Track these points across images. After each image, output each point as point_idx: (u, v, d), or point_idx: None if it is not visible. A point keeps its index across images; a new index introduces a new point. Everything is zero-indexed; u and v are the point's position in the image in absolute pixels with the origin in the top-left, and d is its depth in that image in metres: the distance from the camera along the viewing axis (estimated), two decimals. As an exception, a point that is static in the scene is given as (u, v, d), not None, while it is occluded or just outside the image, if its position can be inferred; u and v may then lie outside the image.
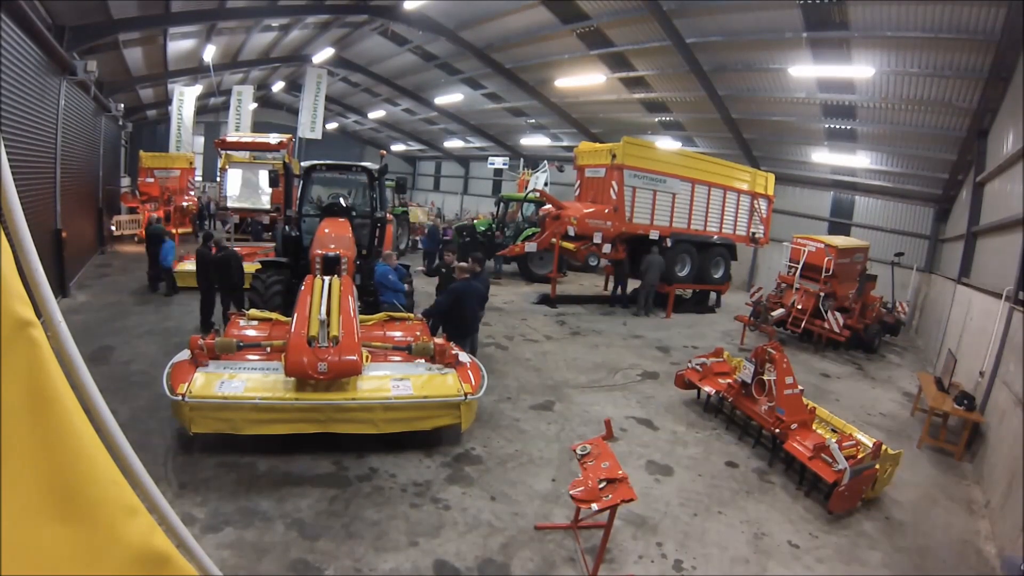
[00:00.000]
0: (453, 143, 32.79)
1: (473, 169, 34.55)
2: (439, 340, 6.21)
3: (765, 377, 6.39)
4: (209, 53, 18.32)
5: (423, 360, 6.07)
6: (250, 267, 9.24)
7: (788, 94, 14.51)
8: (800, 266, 11.93)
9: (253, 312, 7.03)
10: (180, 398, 4.90)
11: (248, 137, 18.49)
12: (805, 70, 12.90)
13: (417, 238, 20.54)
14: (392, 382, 5.56)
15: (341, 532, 4.34)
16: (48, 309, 1.01)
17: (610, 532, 4.12)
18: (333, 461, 5.30)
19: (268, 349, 5.91)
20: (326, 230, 7.89)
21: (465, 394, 5.57)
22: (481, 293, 7.27)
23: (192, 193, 20.85)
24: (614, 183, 12.69)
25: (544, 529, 4.62)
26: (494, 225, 17.58)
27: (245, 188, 16.88)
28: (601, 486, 4.04)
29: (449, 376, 5.79)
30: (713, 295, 15.54)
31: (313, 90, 23.13)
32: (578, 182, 14.34)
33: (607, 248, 12.95)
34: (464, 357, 6.26)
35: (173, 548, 1.12)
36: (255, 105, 25.32)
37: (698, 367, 7.58)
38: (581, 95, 19.78)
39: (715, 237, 14.47)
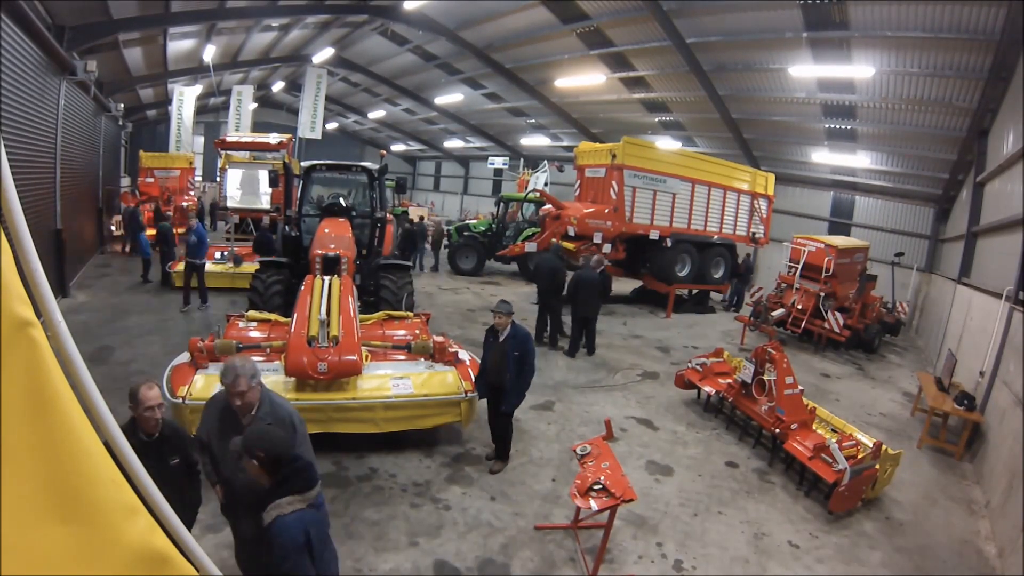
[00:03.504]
0: (453, 143, 32.80)
1: (473, 169, 34.56)
2: (438, 338, 6.22)
3: (765, 377, 6.39)
4: (209, 53, 18.32)
5: (423, 358, 6.07)
6: (250, 267, 9.21)
7: (788, 94, 14.52)
8: (800, 266, 11.93)
9: (252, 313, 7.03)
10: (180, 400, 4.90)
11: (248, 137, 18.45)
12: (805, 70, 12.91)
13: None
14: (392, 381, 5.55)
15: (341, 532, 4.34)
16: (48, 309, 1.01)
17: (610, 532, 4.12)
18: (333, 461, 5.30)
19: (268, 350, 5.90)
20: (326, 230, 7.89)
21: (466, 391, 5.58)
22: None
23: (192, 193, 20.83)
24: (614, 183, 12.68)
25: (544, 529, 4.62)
26: (494, 225, 17.59)
27: (245, 188, 16.87)
28: (597, 487, 4.05)
29: (449, 374, 5.80)
30: (733, 295, 15.77)
31: (313, 90, 23.12)
32: (578, 182, 14.33)
33: (607, 248, 12.94)
34: (464, 355, 6.26)
35: (173, 548, 1.12)
36: (255, 105, 25.31)
37: (698, 367, 7.58)
38: (581, 95, 19.79)
39: (715, 237, 14.47)
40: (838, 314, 11.26)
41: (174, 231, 15.68)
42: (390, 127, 35.23)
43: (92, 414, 1.05)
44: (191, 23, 15.63)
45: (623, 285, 16.05)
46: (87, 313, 9.56)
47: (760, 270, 19.56)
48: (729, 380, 7.15)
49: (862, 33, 11.22)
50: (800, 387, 6.22)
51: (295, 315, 5.85)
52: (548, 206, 13.62)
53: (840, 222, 18.00)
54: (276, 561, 2.25)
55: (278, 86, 29.40)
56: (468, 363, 6.10)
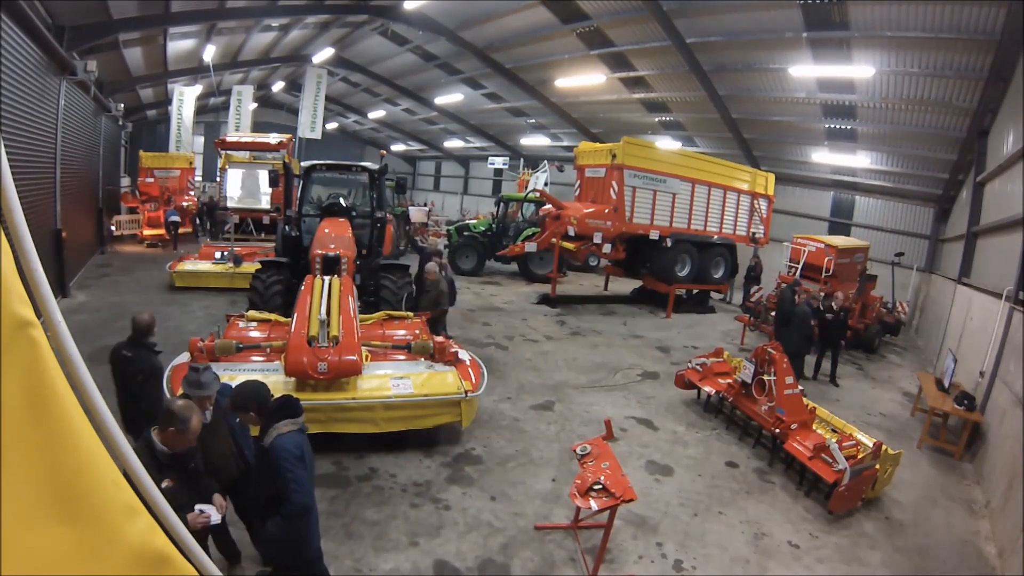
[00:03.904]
0: (453, 143, 32.78)
1: (473, 169, 34.54)
2: (439, 338, 6.22)
3: (765, 377, 6.39)
4: (209, 53, 18.32)
5: (423, 358, 6.08)
6: (250, 267, 9.20)
7: (788, 94, 14.51)
8: (800, 266, 11.93)
9: (252, 313, 7.03)
10: None
11: (248, 137, 18.49)
12: (805, 70, 12.89)
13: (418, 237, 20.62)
14: (392, 381, 5.56)
15: (341, 532, 4.34)
16: (48, 309, 1.01)
17: (610, 532, 4.12)
18: (333, 461, 5.30)
19: (268, 350, 5.91)
20: (326, 230, 7.89)
21: (465, 391, 5.59)
22: None
23: (192, 193, 20.86)
24: (614, 183, 12.68)
25: (544, 529, 4.62)
26: (494, 225, 17.59)
27: (245, 188, 16.88)
28: (597, 487, 4.05)
29: (449, 374, 5.80)
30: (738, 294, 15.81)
31: (313, 90, 23.12)
32: (578, 182, 14.33)
33: (607, 248, 12.94)
34: (464, 355, 6.26)
35: (173, 548, 1.12)
36: (255, 105, 25.32)
37: (698, 367, 7.58)
38: (581, 95, 19.77)
39: (715, 237, 14.47)
40: (838, 314, 11.24)
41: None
42: (390, 127, 35.22)
43: (92, 414, 1.05)
44: (191, 23, 15.62)
45: (623, 285, 16.05)
46: (87, 313, 9.56)
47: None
48: (729, 380, 7.15)
49: (862, 33, 11.20)
50: (800, 387, 6.22)
51: (295, 315, 5.85)
52: (548, 206, 13.62)
53: (840, 222, 17.98)
54: (280, 470, 2.83)
55: (278, 86, 29.39)
56: (468, 363, 6.11)
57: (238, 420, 3.15)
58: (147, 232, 17.85)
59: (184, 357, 5.58)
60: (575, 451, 4.64)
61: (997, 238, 9.32)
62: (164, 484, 2.70)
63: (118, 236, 17.43)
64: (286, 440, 2.90)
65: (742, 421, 6.99)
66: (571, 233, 12.59)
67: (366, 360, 5.75)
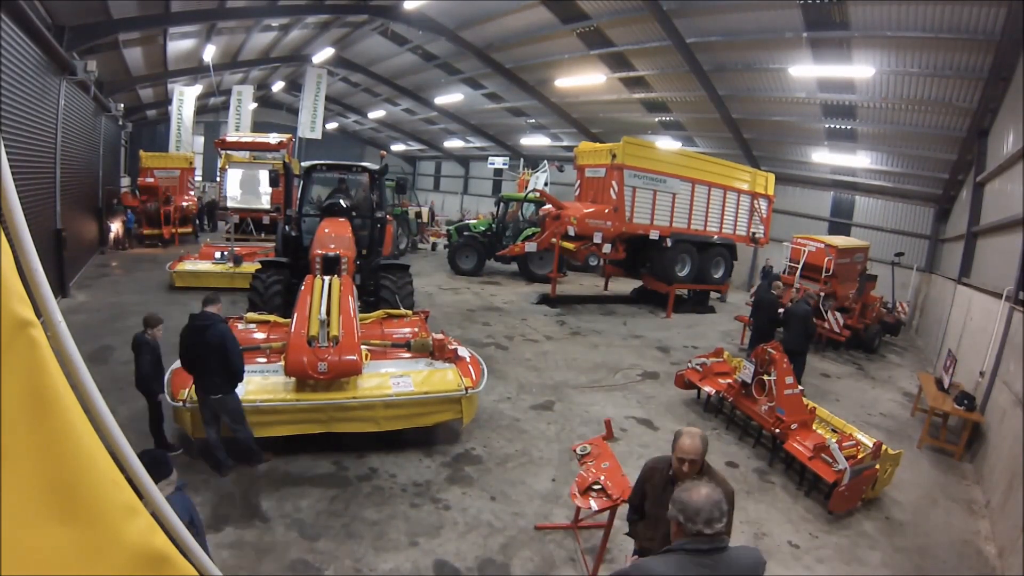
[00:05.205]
0: (453, 143, 32.78)
1: (473, 169, 34.55)
2: (437, 336, 6.22)
3: (765, 377, 6.39)
4: (209, 53, 18.31)
5: (423, 356, 6.08)
6: (250, 267, 9.19)
7: (788, 94, 14.51)
8: (800, 266, 11.93)
9: (251, 315, 7.03)
10: (181, 404, 4.92)
11: (248, 137, 18.46)
12: (805, 70, 12.90)
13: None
14: (392, 379, 5.57)
15: (341, 532, 4.34)
16: (48, 309, 1.01)
17: (610, 532, 4.12)
18: (333, 461, 5.31)
19: (268, 351, 5.91)
20: (326, 230, 7.90)
21: (466, 388, 5.59)
22: None
23: (192, 193, 20.83)
24: (614, 183, 12.68)
25: (544, 529, 4.62)
26: (494, 225, 17.60)
27: (245, 188, 16.87)
28: (597, 487, 4.05)
29: (449, 371, 5.81)
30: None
31: (313, 90, 23.12)
32: (578, 182, 14.33)
33: (607, 248, 12.94)
34: (463, 352, 6.27)
35: (173, 548, 1.12)
36: (255, 105, 25.30)
37: (698, 367, 7.58)
38: (581, 95, 19.77)
39: (715, 237, 14.47)
40: (838, 314, 11.26)
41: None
42: (390, 127, 35.22)
43: (92, 414, 1.05)
44: (191, 23, 15.62)
45: (623, 285, 16.05)
46: (87, 313, 9.56)
47: (759, 270, 19.55)
48: (729, 380, 7.15)
49: (862, 33, 11.21)
50: (800, 387, 6.22)
51: (295, 315, 5.85)
52: (548, 206, 13.62)
53: (840, 222, 17.99)
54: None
55: (278, 86, 29.38)
56: (468, 360, 6.11)
57: None
58: (145, 231, 17.93)
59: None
60: (575, 451, 4.64)
61: (997, 238, 9.32)
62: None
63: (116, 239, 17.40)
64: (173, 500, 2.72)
65: (742, 421, 7.00)
66: (571, 233, 12.59)
67: (366, 359, 5.76)
